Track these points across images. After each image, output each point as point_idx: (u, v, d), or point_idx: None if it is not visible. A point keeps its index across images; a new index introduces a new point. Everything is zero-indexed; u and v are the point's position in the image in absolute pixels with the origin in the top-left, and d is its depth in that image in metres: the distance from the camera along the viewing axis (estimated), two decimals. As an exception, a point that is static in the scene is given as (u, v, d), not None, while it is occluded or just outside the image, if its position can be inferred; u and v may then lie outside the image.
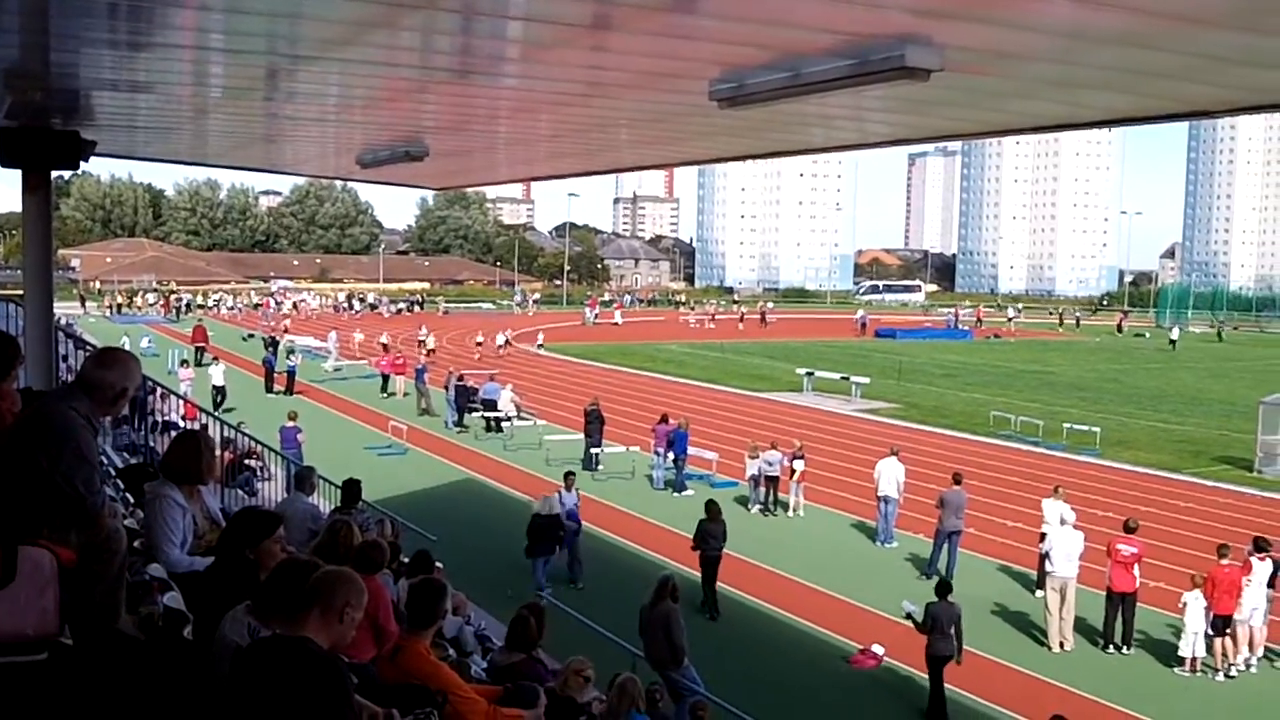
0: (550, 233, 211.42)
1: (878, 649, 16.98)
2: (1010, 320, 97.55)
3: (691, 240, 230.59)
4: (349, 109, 10.19)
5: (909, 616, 15.60)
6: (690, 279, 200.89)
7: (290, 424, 27.21)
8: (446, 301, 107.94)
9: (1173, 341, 78.41)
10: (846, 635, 17.75)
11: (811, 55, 6.32)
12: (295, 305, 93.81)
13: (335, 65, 7.84)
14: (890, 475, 23.35)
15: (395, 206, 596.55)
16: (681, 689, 13.16)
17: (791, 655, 17.29)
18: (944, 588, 15.42)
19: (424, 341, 56.70)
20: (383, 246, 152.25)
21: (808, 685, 16.06)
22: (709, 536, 19.21)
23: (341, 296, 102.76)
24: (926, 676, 15.42)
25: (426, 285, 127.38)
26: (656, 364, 57.90)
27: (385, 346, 52.35)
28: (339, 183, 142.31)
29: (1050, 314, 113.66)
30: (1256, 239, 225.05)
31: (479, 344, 58.70)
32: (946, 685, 15.18)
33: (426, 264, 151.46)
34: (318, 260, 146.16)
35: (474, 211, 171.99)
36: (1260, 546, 17.56)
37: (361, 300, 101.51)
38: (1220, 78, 7.59)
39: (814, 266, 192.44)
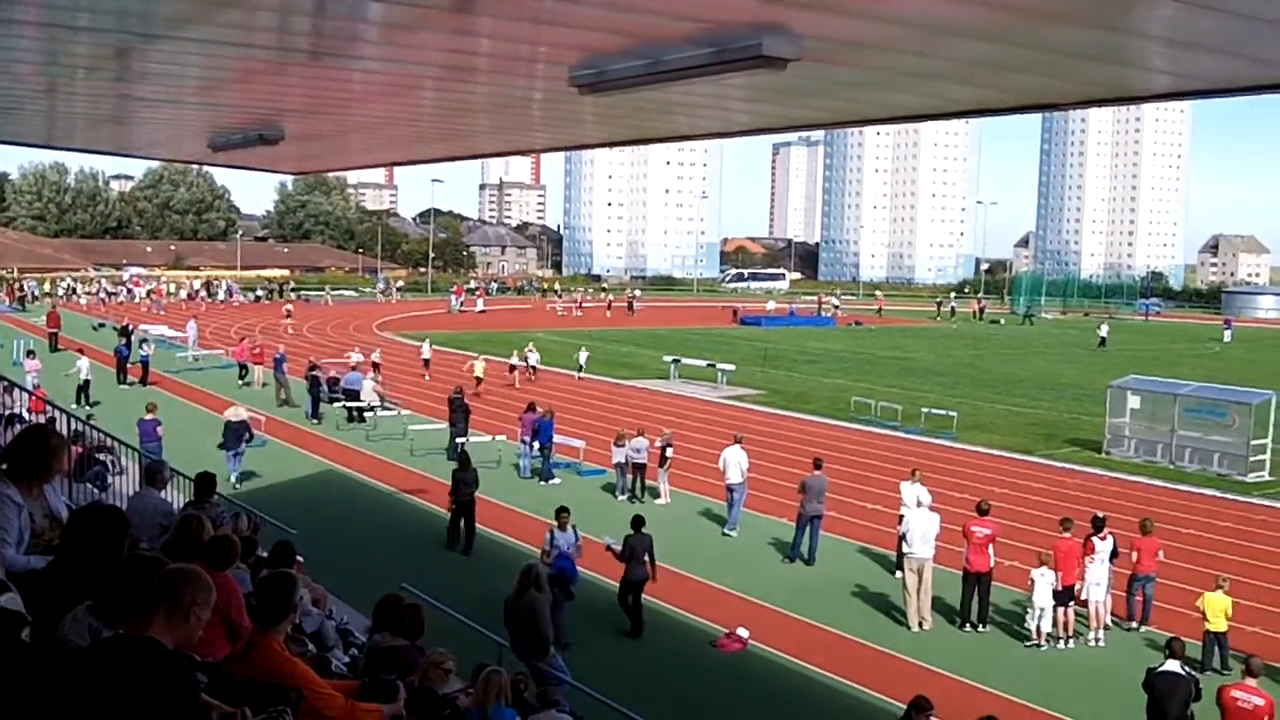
0: (414, 219, 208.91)
1: (743, 632, 17.17)
2: (836, 309, 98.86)
3: (559, 227, 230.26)
4: (202, 90, 9.90)
5: (609, 548, 17.68)
6: (558, 266, 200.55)
7: (149, 417, 26.28)
8: (332, 290, 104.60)
9: (1103, 340, 70.63)
10: (712, 619, 17.89)
11: (670, 43, 6.32)
12: (149, 294, 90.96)
13: (187, 44, 7.60)
14: (734, 462, 23.53)
15: (253, 191, 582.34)
16: (549, 679, 13.11)
17: (657, 640, 17.36)
18: (638, 521, 17.62)
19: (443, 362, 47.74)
20: (240, 233, 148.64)
21: (673, 669, 16.15)
22: (462, 484, 21.88)
23: (197, 284, 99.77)
24: (787, 655, 15.81)
25: (286, 272, 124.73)
26: (523, 351, 57.54)
27: (376, 365, 41.49)
28: (194, 167, 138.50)
29: (935, 301, 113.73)
30: (1105, 228, 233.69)
31: (513, 369, 44.66)
32: (814, 667, 15.46)
33: (286, 250, 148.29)
34: (172, 247, 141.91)
35: (335, 197, 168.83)
36: (1098, 525, 18.22)
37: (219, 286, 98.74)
38: (1070, 72, 7.80)
39: (681, 254, 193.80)
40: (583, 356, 48.34)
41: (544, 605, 13.71)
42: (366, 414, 34.70)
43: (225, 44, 7.48)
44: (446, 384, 36.70)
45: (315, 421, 35.04)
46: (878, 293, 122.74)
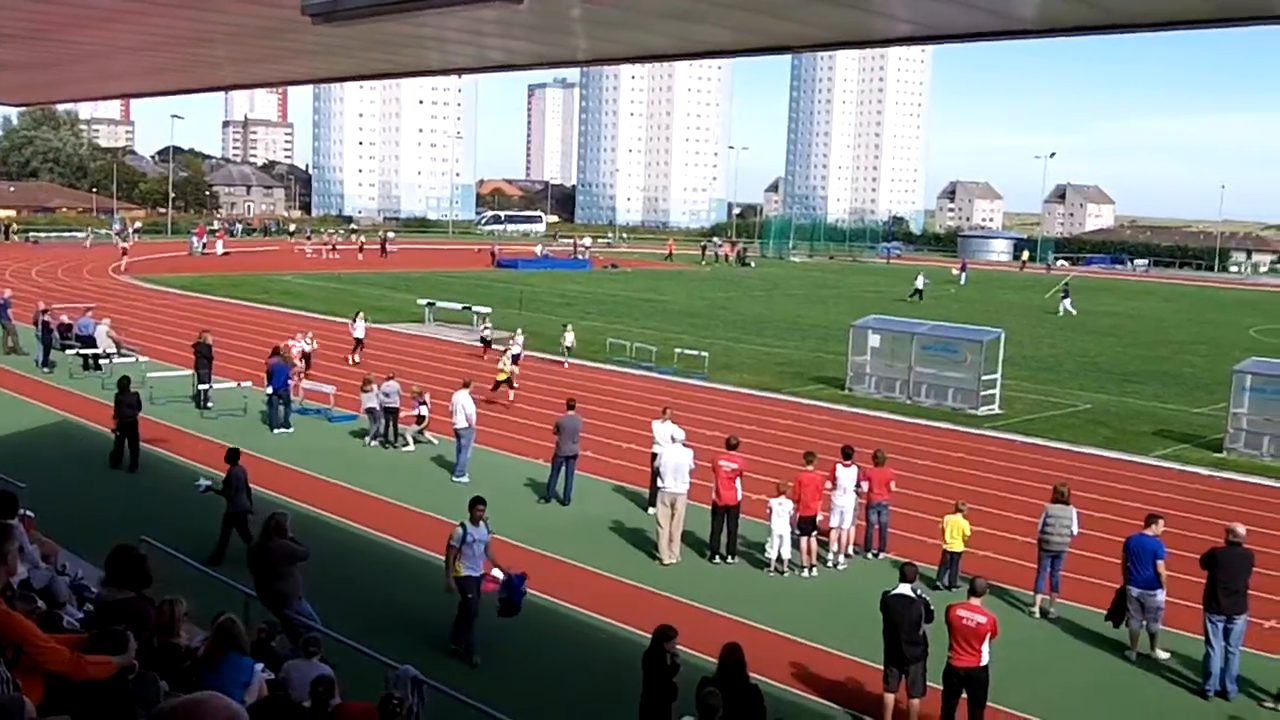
0: (153, 157, 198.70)
1: (497, 573, 17.16)
2: (588, 249, 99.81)
3: (307, 167, 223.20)
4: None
5: (209, 489, 17.97)
6: (307, 207, 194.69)
7: None
8: (95, 231, 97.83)
9: (918, 291, 66.77)
10: (467, 562, 17.86)
11: (409, -29, 6.16)
12: None
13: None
14: (460, 406, 23.23)
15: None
16: (297, 625, 12.85)
17: (414, 585, 17.24)
18: (234, 455, 17.93)
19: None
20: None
21: (425, 613, 16.05)
22: (124, 405, 23.01)
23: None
24: (542, 594, 15.99)
25: (13, 213, 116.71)
26: (271, 295, 55.93)
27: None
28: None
29: (700, 246, 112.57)
30: (851, 174, 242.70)
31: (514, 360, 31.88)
32: (569, 604, 15.68)
33: (11, 189, 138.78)
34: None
35: (65, 133, 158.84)
36: (847, 454, 19.06)
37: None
38: (815, 17, 8.04)
39: (436, 196, 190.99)
40: (569, 337, 39.07)
41: (289, 552, 13.40)
42: (102, 361, 32.97)
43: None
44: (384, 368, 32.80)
45: (46, 370, 33.09)
46: (653, 239, 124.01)
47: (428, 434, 25.67)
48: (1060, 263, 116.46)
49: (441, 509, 20.83)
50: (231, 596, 13.06)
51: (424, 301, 48.94)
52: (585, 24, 8.87)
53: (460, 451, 23.17)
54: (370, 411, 25.72)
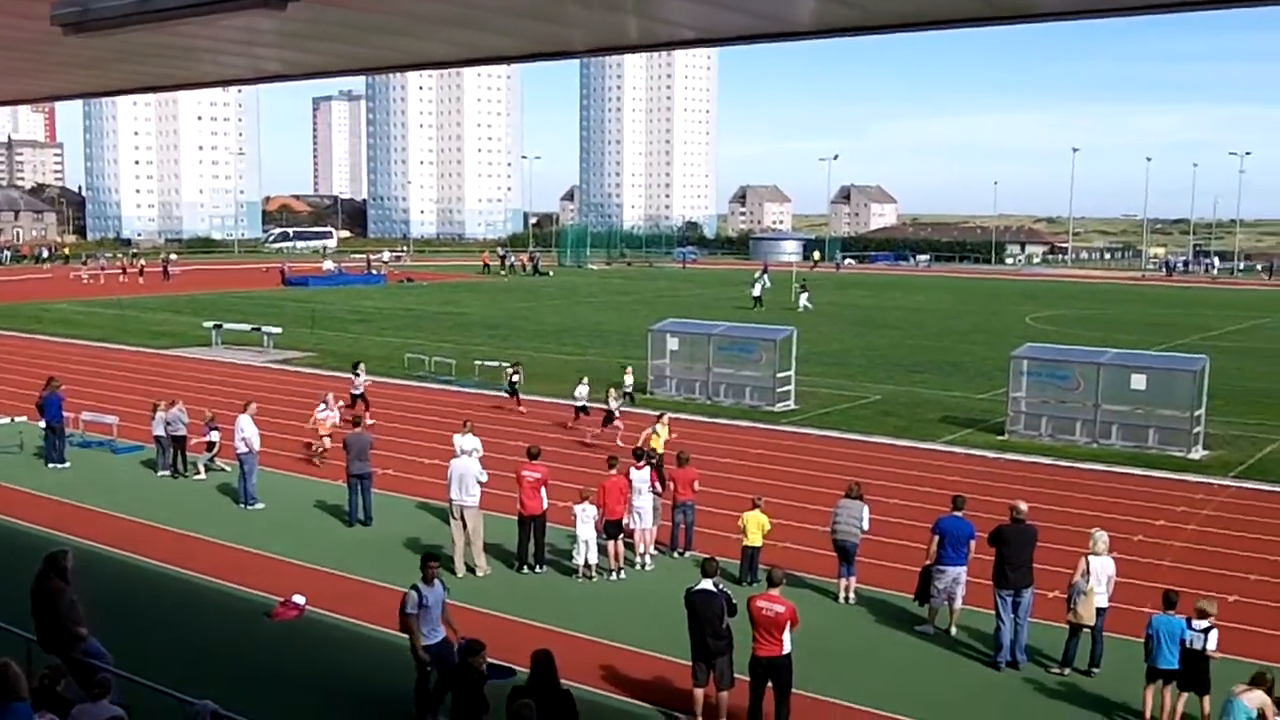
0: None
1: (299, 599, 16.74)
2: (386, 264, 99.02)
3: (80, 189, 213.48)
4: None
5: None
6: (82, 231, 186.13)
7: None
8: None
9: (757, 299, 66.96)
10: (266, 589, 17.32)
11: (164, -23, 5.91)
12: None
13: None
14: (239, 430, 22.45)
15: None
16: (85, 667, 12.20)
17: (207, 617, 16.61)
18: None
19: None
20: None
21: (226, 644, 15.49)
22: None
23: None
24: (347, 617, 15.60)
25: None
26: (44, 325, 53.27)
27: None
28: None
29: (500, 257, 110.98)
30: (644, 181, 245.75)
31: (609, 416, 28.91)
32: (374, 625, 15.33)
33: None
34: None
35: None
36: (638, 456, 19.21)
37: None
38: (590, 21, 8.05)
39: (219, 214, 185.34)
40: (628, 381, 32.53)
41: (69, 592, 12.71)
42: None
43: None
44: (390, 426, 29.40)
45: None
46: (501, 249, 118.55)
47: (219, 461, 24.78)
48: (848, 260, 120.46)
49: (235, 537, 20.21)
50: (11, 642, 12.34)
51: (210, 324, 47.37)
52: (361, 32, 8.70)
53: (245, 478, 22.34)
54: (159, 440, 24.67)
